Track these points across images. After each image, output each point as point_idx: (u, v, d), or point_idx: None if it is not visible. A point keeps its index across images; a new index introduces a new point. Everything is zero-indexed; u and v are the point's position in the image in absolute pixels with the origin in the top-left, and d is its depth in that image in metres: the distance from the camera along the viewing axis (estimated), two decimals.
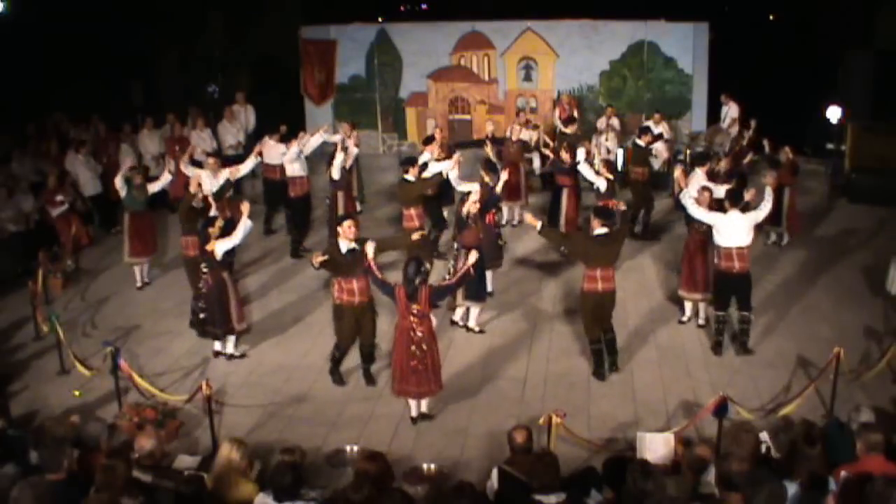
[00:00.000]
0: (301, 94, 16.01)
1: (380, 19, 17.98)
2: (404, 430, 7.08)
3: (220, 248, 7.88)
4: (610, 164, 10.33)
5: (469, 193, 8.70)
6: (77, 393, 7.70)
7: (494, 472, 5.24)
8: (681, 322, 8.96)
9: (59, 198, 11.15)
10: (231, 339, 8.40)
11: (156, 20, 16.37)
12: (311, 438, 6.82)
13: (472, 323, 8.84)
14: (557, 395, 7.52)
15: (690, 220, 8.63)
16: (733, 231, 7.93)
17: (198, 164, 10.95)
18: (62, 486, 4.70)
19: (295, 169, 11.15)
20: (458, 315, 8.92)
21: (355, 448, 6.51)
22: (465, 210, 8.47)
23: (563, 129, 12.73)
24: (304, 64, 15.86)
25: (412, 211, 9.55)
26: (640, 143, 11.58)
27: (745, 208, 8.19)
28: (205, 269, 8.12)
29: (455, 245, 8.77)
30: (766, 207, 8.19)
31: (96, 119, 13.79)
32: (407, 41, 15.63)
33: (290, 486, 4.84)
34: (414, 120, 15.93)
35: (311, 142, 11.38)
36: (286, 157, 11.05)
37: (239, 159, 11.70)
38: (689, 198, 8.36)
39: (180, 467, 5.89)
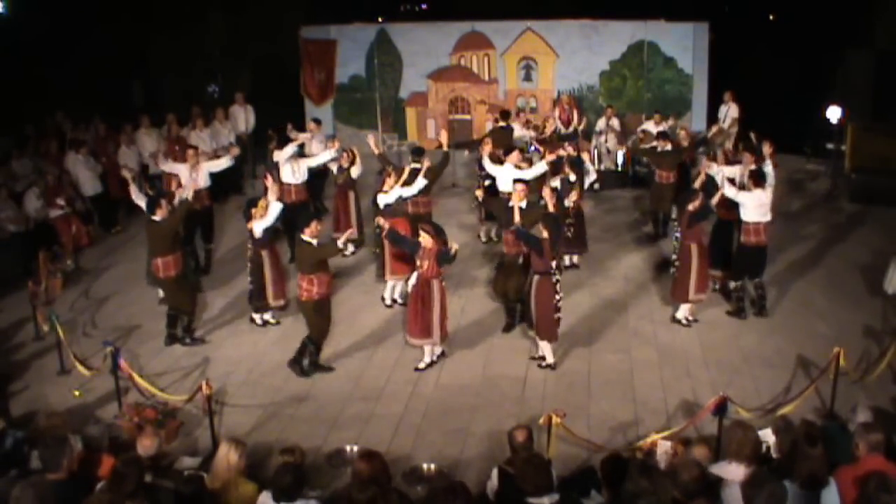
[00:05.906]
0: (301, 94, 16.00)
1: (380, 19, 17.98)
2: (404, 430, 7.09)
3: (257, 227, 8.64)
4: (573, 165, 10.25)
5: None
6: (77, 393, 7.71)
7: (494, 472, 5.25)
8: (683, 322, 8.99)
9: (60, 201, 11.15)
10: (266, 314, 9.18)
11: (156, 20, 16.37)
12: (311, 438, 6.84)
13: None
14: (557, 395, 7.53)
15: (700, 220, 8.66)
16: (759, 208, 8.71)
17: None
18: (63, 486, 4.70)
19: (287, 175, 10.59)
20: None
21: (355, 448, 6.51)
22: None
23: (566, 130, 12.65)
24: (304, 64, 15.86)
25: None
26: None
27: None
28: (250, 246, 8.84)
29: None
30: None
31: (96, 119, 13.79)
32: (407, 41, 15.64)
33: (290, 487, 4.83)
34: (414, 120, 15.94)
35: (322, 157, 10.88)
36: (281, 156, 10.85)
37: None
38: (723, 178, 8.98)
39: (180, 467, 5.89)
